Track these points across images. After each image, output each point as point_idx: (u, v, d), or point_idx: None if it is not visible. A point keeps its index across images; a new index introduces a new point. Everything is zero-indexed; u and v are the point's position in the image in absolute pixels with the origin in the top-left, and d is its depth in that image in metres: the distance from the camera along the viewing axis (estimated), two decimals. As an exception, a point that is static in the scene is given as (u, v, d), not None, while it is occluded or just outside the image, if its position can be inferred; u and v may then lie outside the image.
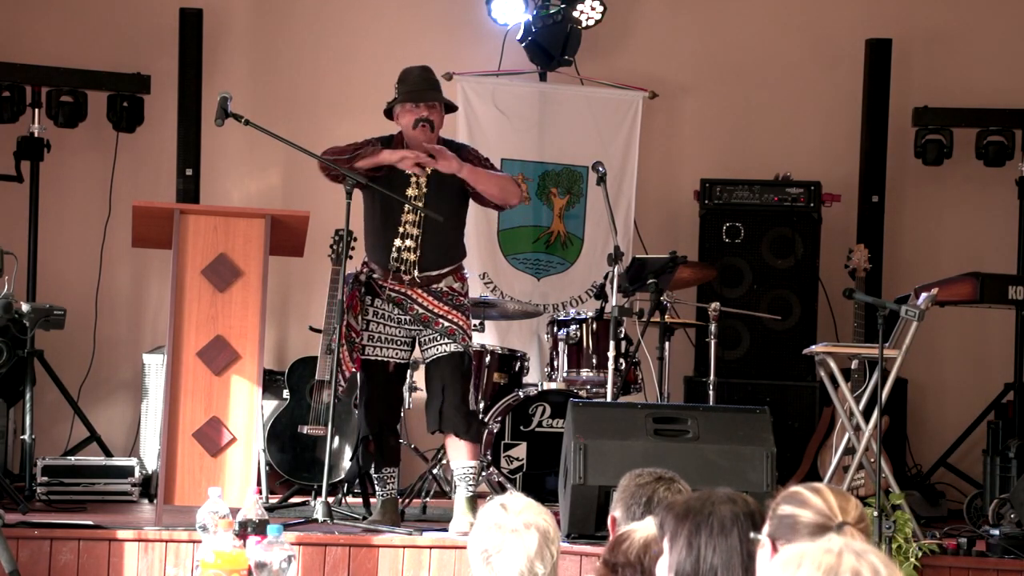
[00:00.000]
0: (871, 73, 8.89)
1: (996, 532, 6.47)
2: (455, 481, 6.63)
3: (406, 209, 6.58)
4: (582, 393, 7.41)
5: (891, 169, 8.92)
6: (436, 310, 6.60)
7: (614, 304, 7.00)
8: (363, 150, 6.60)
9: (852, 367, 7.64)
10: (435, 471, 7.51)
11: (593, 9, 8.80)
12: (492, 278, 8.70)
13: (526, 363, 7.76)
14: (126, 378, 8.71)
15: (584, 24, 8.81)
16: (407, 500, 7.17)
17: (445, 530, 6.43)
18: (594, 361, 7.43)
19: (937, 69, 9.22)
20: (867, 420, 6.79)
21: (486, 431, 7.17)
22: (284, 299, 8.80)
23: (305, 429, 7.47)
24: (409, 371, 7.17)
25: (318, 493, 6.56)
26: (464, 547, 5.89)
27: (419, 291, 6.60)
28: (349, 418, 7.57)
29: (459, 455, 6.60)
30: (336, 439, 7.44)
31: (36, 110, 8.35)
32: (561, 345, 7.51)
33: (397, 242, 6.57)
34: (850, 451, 6.99)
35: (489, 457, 7.18)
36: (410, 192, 6.61)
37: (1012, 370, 8.52)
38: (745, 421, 6.43)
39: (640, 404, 6.79)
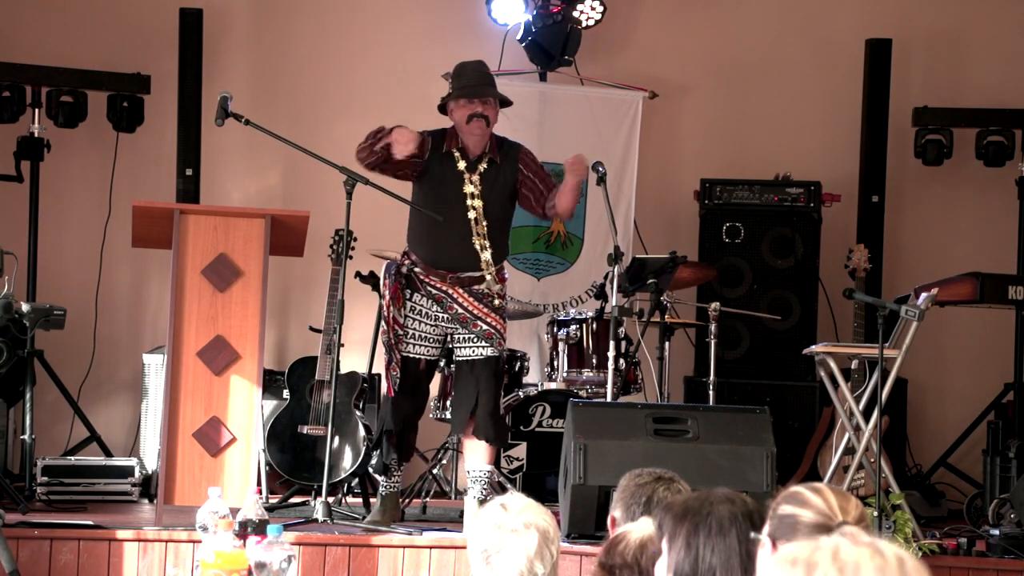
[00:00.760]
0: (871, 73, 8.89)
1: (996, 532, 6.47)
2: (469, 482, 6.62)
3: (467, 207, 6.56)
4: (582, 393, 7.41)
5: (891, 169, 8.92)
6: (475, 311, 6.57)
7: (614, 304, 6.99)
8: (379, 135, 6.50)
9: (852, 367, 7.64)
10: (435, 471, 7.51)
11: (593, 9, 8.80)
12: (492, 278, 8.70)
13: (526, 363, 7.75)
14: (126, 378, 8.71)
15: (584, 24, 8.81)
16: (407, 500, 7.17)
17: (445, 530, 6.43)
18: (594, 361, 7.43)
19: (937, 69, 9.22)
20: (867, 420, 6.79)
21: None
22: (284, 299, 8.80)
23: (305, 429, 7.47)
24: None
25: (318, 493, 6.57)
26: (464, 547, 5.90)
27: (460, 290, 6.57)
28: (349, 418, 7.56)
29: (478, 457, 6.60)
30: (336, 439, 7.43)
31: (36, 110, 8.35)
32: (561, 345, 7.50)
33: (477, 241, 6.53)
34: (850, 451, 6.99)
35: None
36: (466, 190, 6.59)
37: (1012, 370, 8.52)
38: (745, 421, 6.43)
39: (640, 404, 6.79)
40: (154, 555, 6.06)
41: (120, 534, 6.11)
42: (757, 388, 8.45)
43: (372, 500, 6.97)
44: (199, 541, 4.89)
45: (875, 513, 5.88)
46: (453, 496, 7.75)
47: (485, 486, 6.57)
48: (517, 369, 7.64)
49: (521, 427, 7.38)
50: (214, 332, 6.35)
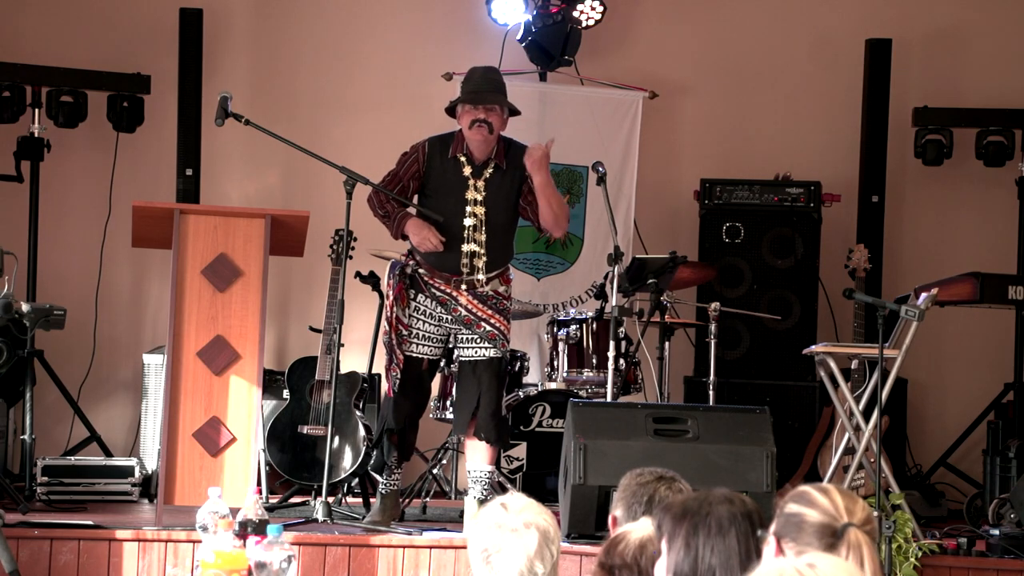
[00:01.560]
0: (871, 73, 8.89)
1: (996, 532, 6.47)
2: (470, 482, 6.62)
3: (467, 212, 6.56)
4: (582, 393, 7.41)
5: (891, 169, 8.92)
6: (479, 313, 6.56)
7: (614, 304, 6.99)
8: (393, 217, 6.58)
9: (852, 367, 7.64)
10: (435, 471, 7.51)
11: (593, 9, 8.80)
12: (492, 278, 8.70)
13: (526, 363, 7.75)
14: (126, 378, 8.71)
15: (584, 24, 8.81)
16: (407, 500, 7.17)
17: (445, 530, 6.43)
18: (594, 361, 7.43)
19: (937, 69, 9.22)
20: (867, 420, 6.79)
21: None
22: (284, 299, 8.80)
23: (305, 429, 7.47)
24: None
25: (318, 493, 6.57)
26: (463, 547, 5.90)
27: (464, 292, 6.57)
28: (349, 418, 7.56)
29: (480, 458, 6.60)
30: (336, 439, 7.43)
31: (36, 110, 8.35)
32: (561, 345, 7.50)
33: (466, 247, 6.54)
34: (850, 451, 6.99)
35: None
36: (469, 196, 6.57)
37: (1012, 370, 8.52)
38: (745, 421, 6.43)
39: (640, 404, 6.78)
40: (154, 555, 6.06)
41: (120, 534, 6.11)
42: (757, 388, 8.45)
43: (372, 500, 6.97)
44: (199, 541, 4.89)
45: (875, 513, 5.88)
46: (453, 496, 7.75)
47: (486, 487, 6.57)
48: (517, 369, 7.64)
49: (521, 427, 7.38)
50: (214, 332, 6.35)
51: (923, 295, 6.68)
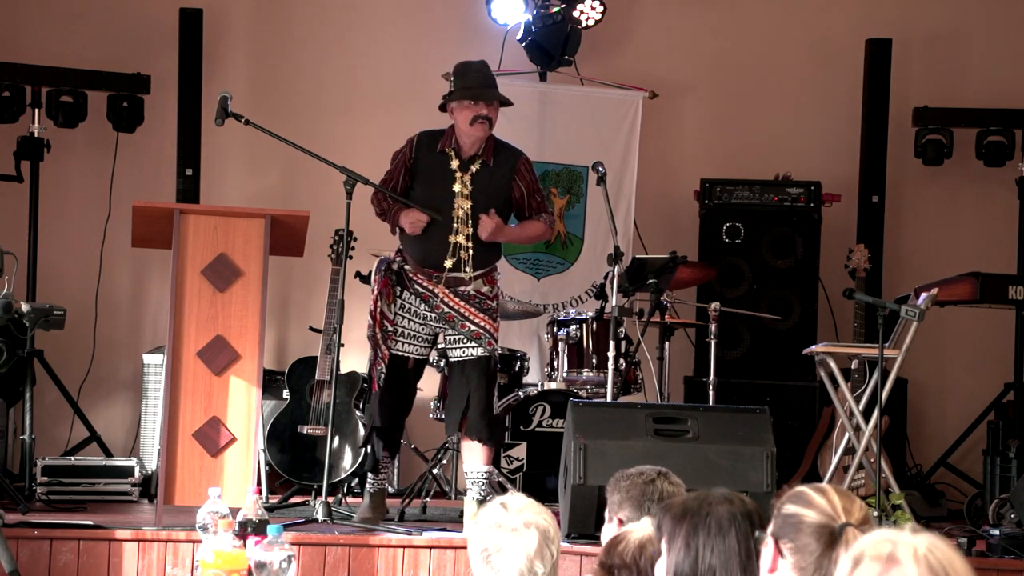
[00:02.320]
0: (871, 73, 8.89)
1: (996, 532, 6.47)
2: (468, 483, 6.63)
3: (454, 205, 6.57)
4: (582, 393, 7.40)
5: (891, 169, 8.92)
6: (462, 311, 6.58)
7: (614, 304, 6.99)
8: (387, 213, 6.68)
9: (852, 367, 7.64)
10: (435, 471, 7.50)
11: (593, 9, 8.80)
12: (492, 278, 8.70)
13: (526, 363, 7.75)
14: (126, 378, 8.71)
15: (584, 24, 8.81)
16: (407, 500, 7.17)
17: (445, 530, 6.43)
18: (594, 361, 7.42)
19: (937, 69, 9.22)
20: (867, 420, 6.79)
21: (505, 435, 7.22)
22: (284, 299, 8.80)
23: (305, 429, 7.47)
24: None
25: (318, 493, 6.57)
26: (463, 547, 5.90)
27: (445, 290, 6.58)
28: (349, 418, 7.57)
29: (476, 458, 6.61)
30: (336, 439, 7.44)
31: (36, 110, 8.35)
32: (561, 345, 7.50)
33: (453, 239, 6.55)
34: (850, 451, 6.99)
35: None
36: (456, 188, 6.59)
37: (1012, 370, 8.52)
38: (745, 421, 6.43)
39: (640, 404, 6.78)
40: (154, 555, 6.06)
41: (120, 534, 6.11)
42: (757, 388, 8.44)
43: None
44: (199, 541, 4.89)
45: (875, 513, 5.88)
46: (453, 496, 7.75)
47: (484, 487, 6.57)
48: (517, 369, 7.64)
49: (521, 427, 7.37)
50: (214, 332, 6.35)
51: (923, 295, 6.68)
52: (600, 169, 7.33)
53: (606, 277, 7.23)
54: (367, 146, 8.25)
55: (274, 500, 7.38)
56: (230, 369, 6.35)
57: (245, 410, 6.33)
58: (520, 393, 7.42)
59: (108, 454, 8.08)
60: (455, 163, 6.64)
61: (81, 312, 8.39)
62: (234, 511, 4.82)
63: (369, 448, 6.76)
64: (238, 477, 6.27)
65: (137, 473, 7.55)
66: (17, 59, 8.39)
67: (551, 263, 8.81)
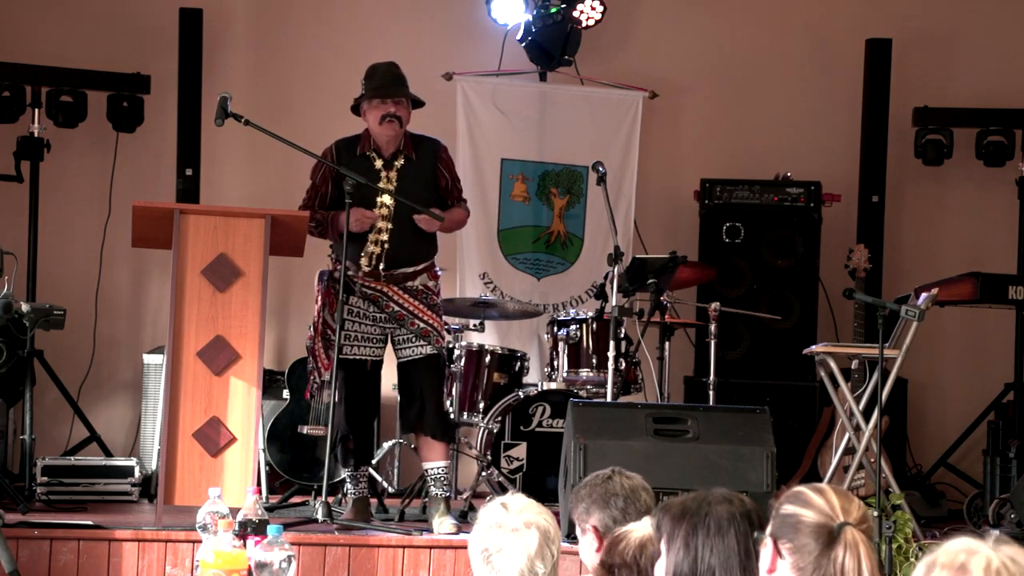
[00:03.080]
0: (871, 73, 8.89)
1: (996, 532, 6.45)
2: (429, 482, 6.66)
3: (378, 204, 6.58)
4: (582, 393, 7.40)
5: (891, 169, 8.92)
6: (412, 308, 6.62)
7: (614, 304, 6.99)
8: (323, 223, 6.65)
9: (852, 367, 7.64)
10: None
11: (593, 9, 8.80)
12: (492, 278, 8.70)
13: (526, 363, 7.75)
14: (126, 378, 8.71)
15: (584, 24, 8.81)
16: (407, 500, 7.17)
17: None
18: (594, 361, 7.42)
19: (937, 69, 9.22)
20: (867, 420, 6.79)
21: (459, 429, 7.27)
22: (284, 299, 8.80)
23: (305, 429, 7.46)
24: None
25: (318, 493, 6.57)
26: (462, 547, 5.90)
27: (394, 288, 6.63)
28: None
29: (434, 455, 6.67)
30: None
31: (36, 110, 8.35)
32: (561, 345, 7.50)
33: (369, 235, 6.59)
34: (850, 451, 6.99)
35: (489, 457, 7.18)
36: (380, 185, 6.62)
37: (1012, 370, 8.52)
38: (745, 421, 6.42)
39: (640, 404, 6.78)
40: (153, 555, 6.06)
41: (120, 534, 6.11)
42: (757, 388, 8.44)
43: (372, 500, 6.97)
44: (199, 541, 4.89)
45: (875, 513, 5.87)
46: (453, 496, 7.74)
47: (446, 484, 6.62)
48: (517, 369, 7.64)
49: (521, 427, 7.37)
50: (214, 332, 6.35)
51: (923, 295, 6.68)
52: (600, 169, 7.33)
53: (606, 277, 7.23)
54: (367, 146, 8.24)
55: (274, 500, 7.38)
56: (230, 369, 6.35)
57: (245, 410, 6.33)
58: (520, 393, 7.41)
59: (108, 454, 8.08)
60: (379, 163, 6.68)
61: (81, 312, 8.39)
62: (234, 511, 4.82)
63: (332, 457, 6.74)
64: (238, 477, 6.27)
65: (137, 473, 7.55)
66: (17, 59, 8.39)
67: (551, 263, 8.81)
